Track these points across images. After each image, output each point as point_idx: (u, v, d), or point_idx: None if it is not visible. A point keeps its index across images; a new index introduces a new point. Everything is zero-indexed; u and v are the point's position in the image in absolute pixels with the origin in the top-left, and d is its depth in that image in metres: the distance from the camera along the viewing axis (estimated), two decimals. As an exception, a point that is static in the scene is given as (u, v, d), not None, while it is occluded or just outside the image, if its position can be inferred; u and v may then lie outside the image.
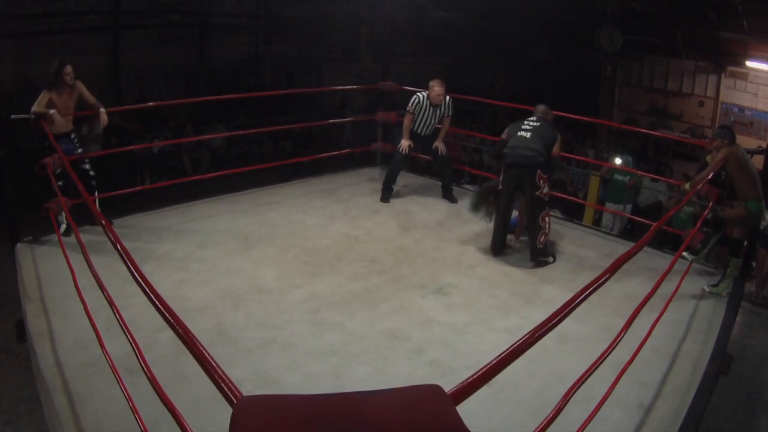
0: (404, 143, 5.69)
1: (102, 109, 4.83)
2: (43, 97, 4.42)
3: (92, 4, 9.84)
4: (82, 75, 4.74)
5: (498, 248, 4.65)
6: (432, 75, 5.70)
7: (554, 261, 4.57)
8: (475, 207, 4.98)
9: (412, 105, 5.62)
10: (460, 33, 12.04)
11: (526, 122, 4.60)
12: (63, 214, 4.40)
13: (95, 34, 10.06)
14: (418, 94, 5.63)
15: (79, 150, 4.80)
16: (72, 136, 4.75)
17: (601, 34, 9.30)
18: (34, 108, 4.39)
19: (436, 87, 5.53)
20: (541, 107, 4.79)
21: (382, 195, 5.82)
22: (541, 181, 4.41)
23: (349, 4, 11.45)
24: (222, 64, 11.97)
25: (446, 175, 5.93)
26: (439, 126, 5.76)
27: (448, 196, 5.90)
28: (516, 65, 14.82)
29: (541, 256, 4.52)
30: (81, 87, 4.70)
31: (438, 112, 5.64)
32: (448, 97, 5.65)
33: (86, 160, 4.80)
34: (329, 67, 13.21)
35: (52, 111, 4.38)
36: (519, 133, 4.51)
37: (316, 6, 11.95)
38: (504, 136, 4.71)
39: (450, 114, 5.71)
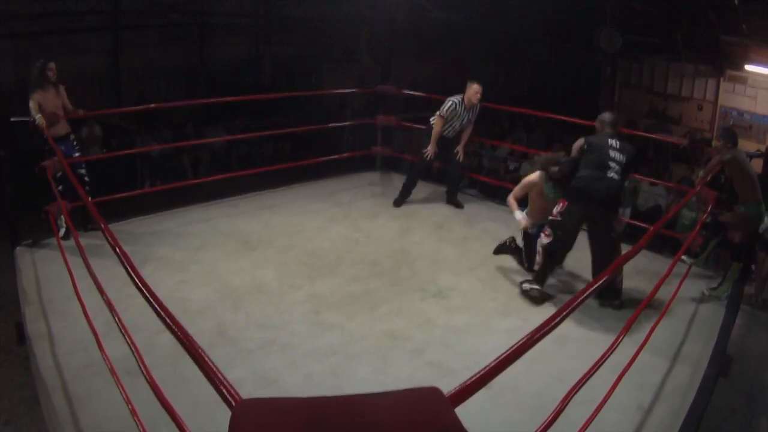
0: (431, 149, 5.61)
1: (81, 112, 4.82)
2: (33, 103, 4.41)
3: (92, 4, 9.82)
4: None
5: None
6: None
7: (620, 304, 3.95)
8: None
9: (447, 110, 5.51)
10: (460, 33, 12.03)
11: (611, 147, 3.83)
12: (62, 217, 4.40)
13: (95, 34, 10.04)
14: (453, 99, 5.53)
15: (77, 153, 4.80)
16: (71, 138, 4.75)
17: (601, 34, 9.30)
18: (32, 113, 4.41)
19: (475, 85, 5.46)
20: (607, 116, 4.03)
21: (397, 199, 5.78)
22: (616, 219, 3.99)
23: (349, 4, 11.44)
24: (222, 64, 11.95)
25: (455, 180, 5.89)
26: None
27: (454, 201, 5.86)
28: (516, 65, 14.80)
29: (616, 297, 3.92)
30: (62, 90, 4.67)
31: (468, 116, 5.58)
32: (479, 104, 5.59)
33: (83, 165, 4.80)
34: (329, 67, 13.19)
35: (38, 115, 4.36)
36: (608, 164, 3.78)
37: (316, 6, 11.93)
38: (575, 153, 3.96)
39: (474, 119, 5.67)
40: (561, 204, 3.95)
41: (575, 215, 3.84)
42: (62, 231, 4.45)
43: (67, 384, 2.93)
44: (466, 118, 5.59)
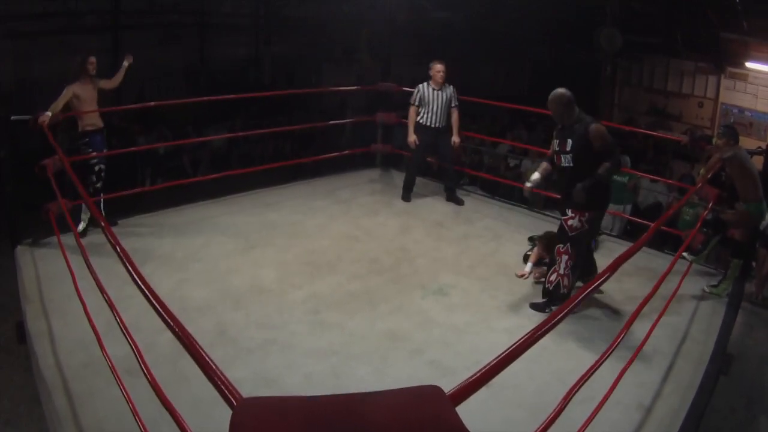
0: (410, 138, 5.72)
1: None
2: (67, 93, 4.53)
3: (92, 4, 9.83)
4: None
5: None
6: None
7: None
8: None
9: (414, 97, 5.68)
10: (460, 33, 12.02)
11: (555, 138, 3.83)
12: (83, 212, 4.62)
13: (95, 34, 10.04)
14: (419, 85, 5.68)
15: (105, 149, 4.92)
16: (104, 133, 4.87)
17: (601, 34, 9.29)
18: (53, 105, 4.48)
19: (437, 65, 5.58)
20: (550, 98, 3.77)
21: (403, 194, 5.84)
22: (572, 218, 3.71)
23: (349, 4, 11.42)
24: (222, 64, 11.95)
25: (451, 177, 5.91)
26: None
27: (454, 198, 5.86)
28: (516, 65, 14.79)
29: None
30: (98, 83, 4.83)
31: (443, 97, 5.62)
32: (451, 86, 5.67)
33: (104, 160, 4.89)
34: (329, 67, 13.18)
35: (47, 113, 4.42)
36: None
37: (316, 6, 11.93)
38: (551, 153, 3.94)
39: (456, 104, 5.71)
40: (579, 213, 3.68)
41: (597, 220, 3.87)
42: (81, 225, 4.57)
43: (67, 383, 2.93)
44: (441, 99, 5.62)
